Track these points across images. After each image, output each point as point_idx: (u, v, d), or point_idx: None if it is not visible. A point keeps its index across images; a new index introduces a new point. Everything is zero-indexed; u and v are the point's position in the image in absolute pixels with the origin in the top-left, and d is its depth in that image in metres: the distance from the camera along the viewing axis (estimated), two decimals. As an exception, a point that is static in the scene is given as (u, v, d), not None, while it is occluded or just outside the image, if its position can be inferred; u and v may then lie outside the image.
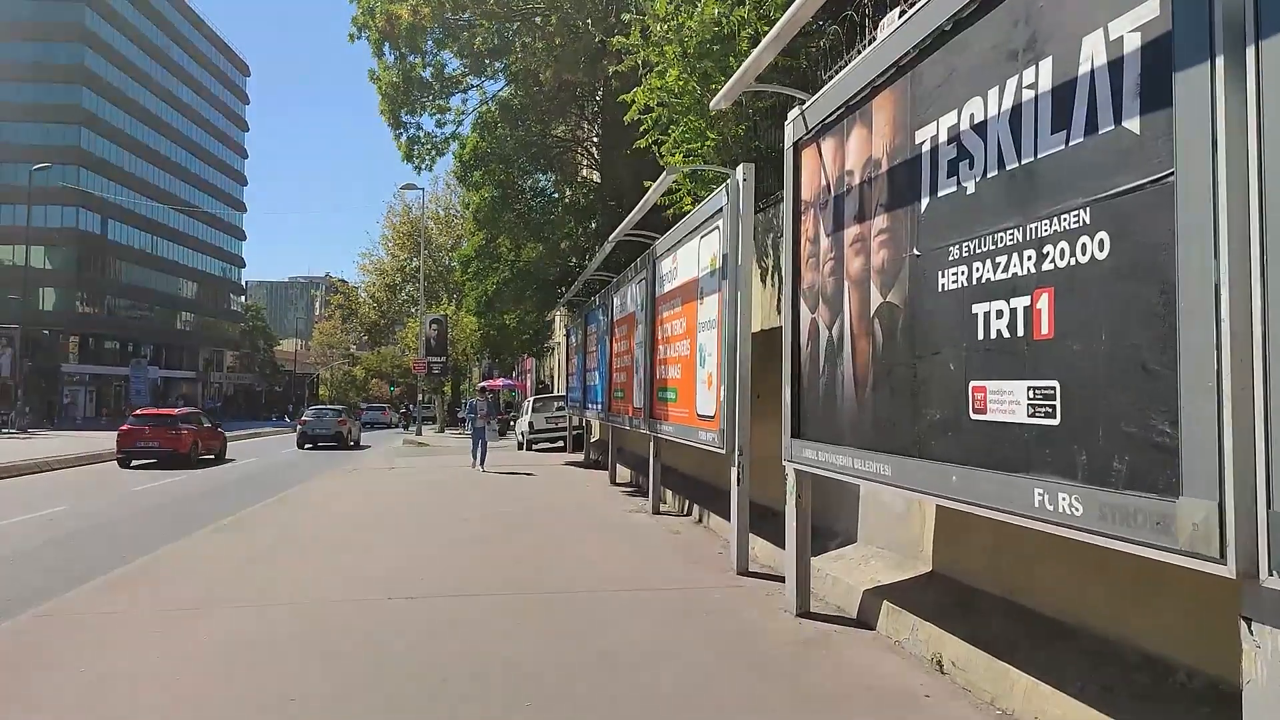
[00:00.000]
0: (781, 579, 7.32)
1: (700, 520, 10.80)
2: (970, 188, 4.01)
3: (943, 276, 4.20)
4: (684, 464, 12.72)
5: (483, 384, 53.51)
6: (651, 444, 11.52)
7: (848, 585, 6.38)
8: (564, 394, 26.00)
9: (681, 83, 9.97)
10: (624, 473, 16.12)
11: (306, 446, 31.82)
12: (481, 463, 17.93)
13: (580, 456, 21.58)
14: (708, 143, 10.50)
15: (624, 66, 11.76)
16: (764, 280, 9.48)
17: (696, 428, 8.89)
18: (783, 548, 7.88)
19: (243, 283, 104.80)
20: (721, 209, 8.07)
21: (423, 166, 18.99)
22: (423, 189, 38.43)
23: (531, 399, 26.26)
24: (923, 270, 4.41)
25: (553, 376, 40.43)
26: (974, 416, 3.93)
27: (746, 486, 7.67)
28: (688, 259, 9.54)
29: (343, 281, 54.05)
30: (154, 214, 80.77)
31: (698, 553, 8.78)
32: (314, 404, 76.00)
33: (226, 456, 26.05)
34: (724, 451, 7.81)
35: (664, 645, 5.65)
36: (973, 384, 3.94)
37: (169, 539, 10.22)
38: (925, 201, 4.40)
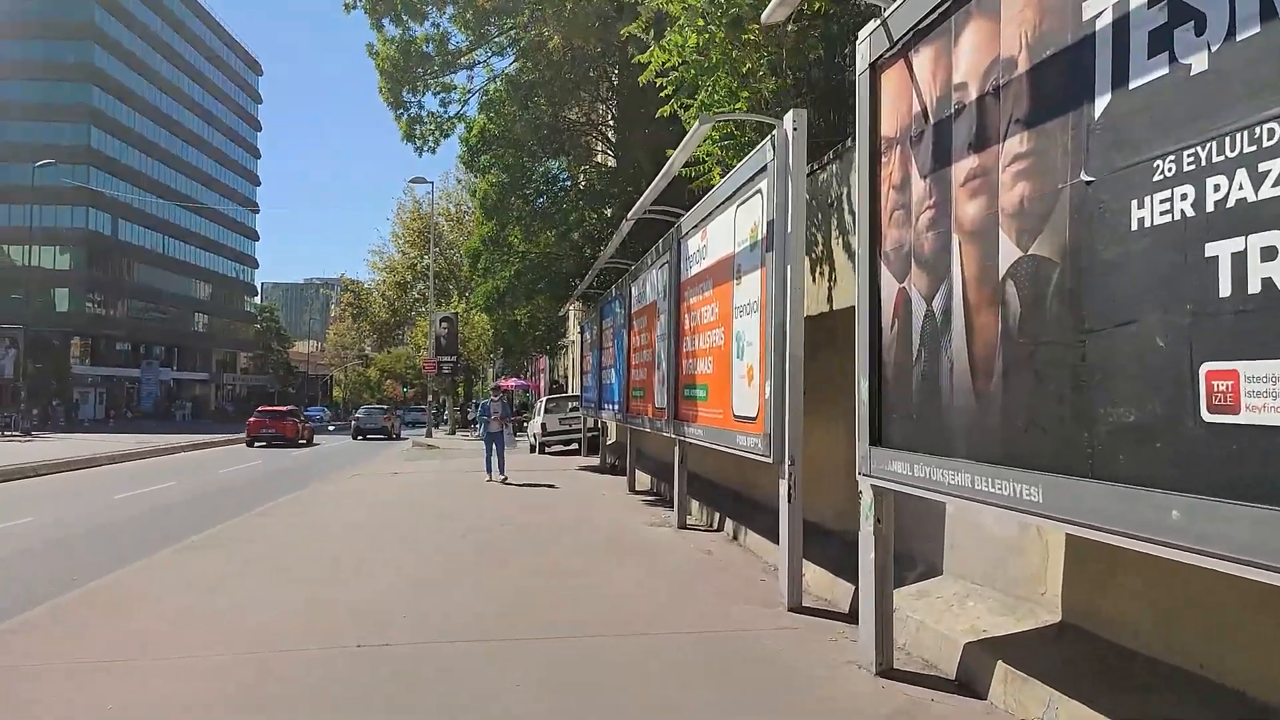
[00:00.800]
0: (842, 616, 5.95)
1: (735, 537, 9.39)
2: (1198, 64, 2.60)
3: (1140, 208, 2.80)
4: (713, 470, 11.33)
5: (495, 383, 52.30)
6: (676, 449, 10.13)
7: (939, 634, 4.97)
8: (578, 394, 24.68)
9: (707, 36, 8.62)
10: (643, 479, 14.75)
11: (359, 438, 39.50)
12: (500, 470, 15.65)
13: (596, 460, 20.22)
14: (739, 106, 9.15)
15: (636, 27, 10.39)
16: (809, 260, 8.09)
17: (734, 431, 7.49)
18: (839, 575, 6.51)
19: (256, 283, 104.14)
20: (766, 167, 6.68)
21: (425, 147, 17.67)
22: (432, 182, 37.22)
23: (544, 399, 24.90)
24: (1099, 203, 3.01)
25: (567, 376, 39.11)
26: (1210, 418, 2.53)
27: (799, 504, 6.27)
28: (721, 233, 8.15)
29: (354, 281, 52.85)
30: (165, 214, 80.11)
31: (736, 580, 7.39)
32: (323, 404, 75.05)
33: (314, 441, 36.87)
34: (770, 460, 6.41)
35: (705, 715, 4.28)
36: (1207, 367, 2.54)
37: (151, 551, 8.96)
38: (1104, 101, 2.99)
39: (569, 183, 19.70)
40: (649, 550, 8.89)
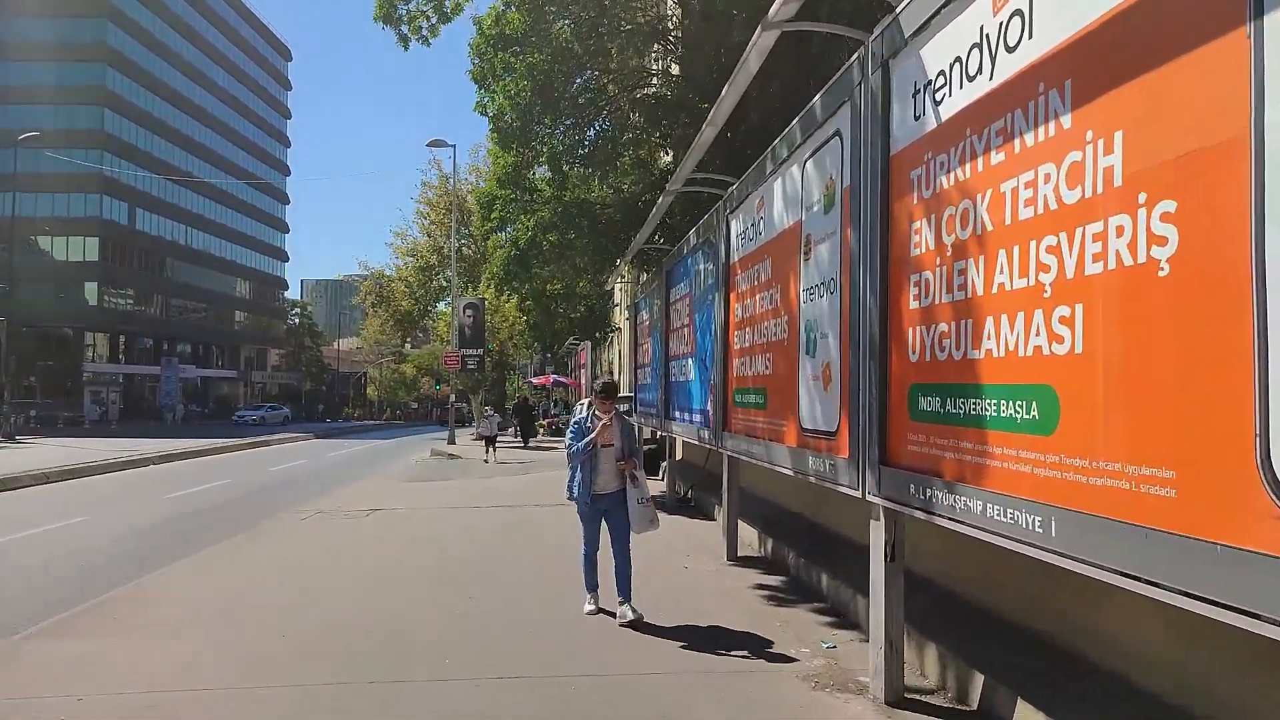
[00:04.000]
0: None
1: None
2: None
3: None
4: (941, 560, 5.71)
5: (531, 378, 47.07)
6: (878, 532, 4.56)
7: None
8: (629, 395, 19.22)
9: None
10: (748, 533, 9.24)
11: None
12: (622, 593, 6.41)
13: (659, 484, 14.77)
14: None
15: None
16: None
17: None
18: None
19: (287, 277, 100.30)
20: None
21: (414, 36, 12.32)
22: (453, 145, 31.85)
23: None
24: None
25: (612, 372, 33.67)
26: None
27: None
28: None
29: (372, 268, 47.41)
30: (188, 203, 76.31)
31: None
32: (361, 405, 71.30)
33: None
34: None
35: None
36: None
37: None
38: None
39: (614, 105, 14.13)
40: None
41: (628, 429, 6.91)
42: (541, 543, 9.91)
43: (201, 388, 78.21)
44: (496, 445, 21.71)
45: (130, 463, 23.82)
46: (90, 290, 64.62)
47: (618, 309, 25.54)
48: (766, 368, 6.83)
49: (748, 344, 7.50)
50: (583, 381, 35.21)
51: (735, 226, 8.09)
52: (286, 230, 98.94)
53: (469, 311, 31.51)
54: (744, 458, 7.62)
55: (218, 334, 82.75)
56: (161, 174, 70.62)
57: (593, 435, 6.58)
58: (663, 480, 16.03)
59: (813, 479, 5.52)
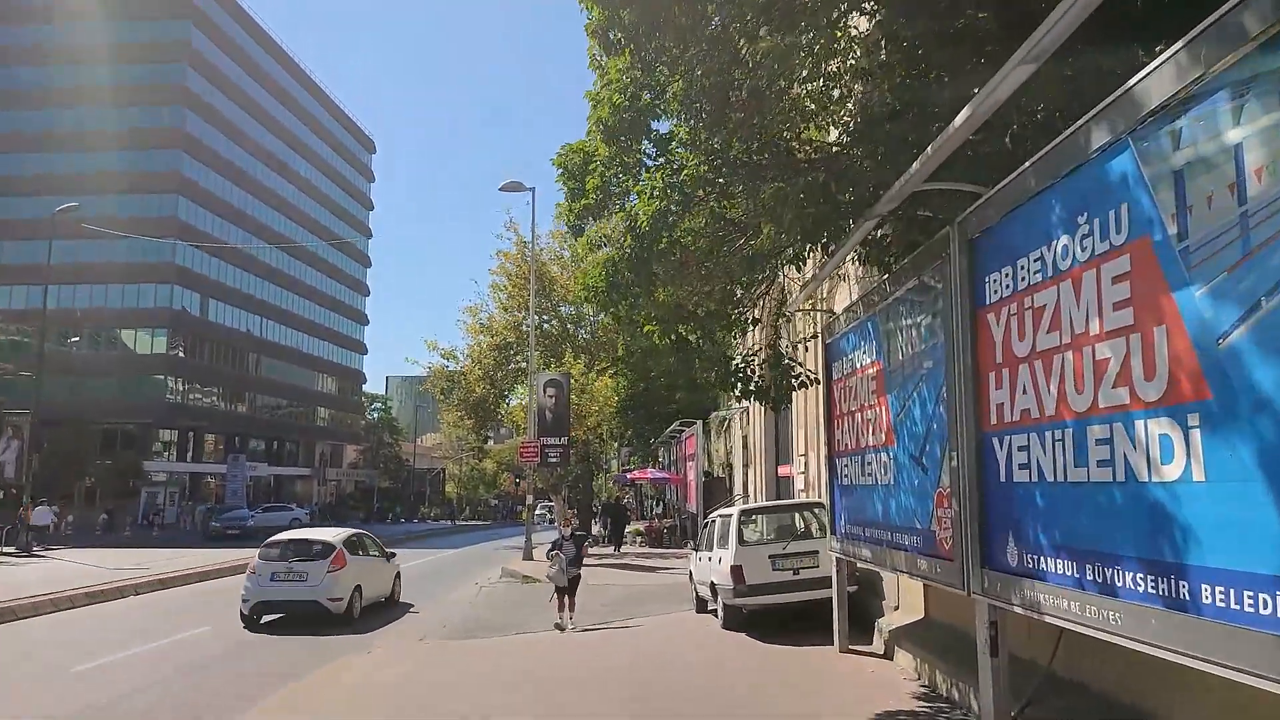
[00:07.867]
0: None
1: None
2: None
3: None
4: None
5: (624, 472, 40.43)
6: None
7: None
8: (812, 501, 12.44)
9: None
10: None
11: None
12: None
13: (888, 671, 7.85)
14: None
15: None
16: None
17: None
18: None
19: (364, 371, 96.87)
20: None
21: None
22: (533, 189, 26.03)
23: (735, 512, 11.82)
24: None
25: (729, 465, 26.70)
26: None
27: None
28: None
29: (441, 348, 40.23)
30: (263, 293, 73.53)
31: None
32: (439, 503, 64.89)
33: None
34: None
35: None
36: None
37: None
38: None
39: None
40: None
41: None
42: None
43: (274, 486, 73.97)
44: (577, 588, 13.24)
45: (101, 594, 17.82)
46: (155, 383, 61.24)
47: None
48: None
49: None
50: (690, 477, 28.36)
51: None
52: (366, 323, 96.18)
53: (550, 390, 25.30)
54: None
55: (292, 429, 78.96)
56: (237, 264, 68.13)
57: None
58: (891, 661, 9.01)
59: None
